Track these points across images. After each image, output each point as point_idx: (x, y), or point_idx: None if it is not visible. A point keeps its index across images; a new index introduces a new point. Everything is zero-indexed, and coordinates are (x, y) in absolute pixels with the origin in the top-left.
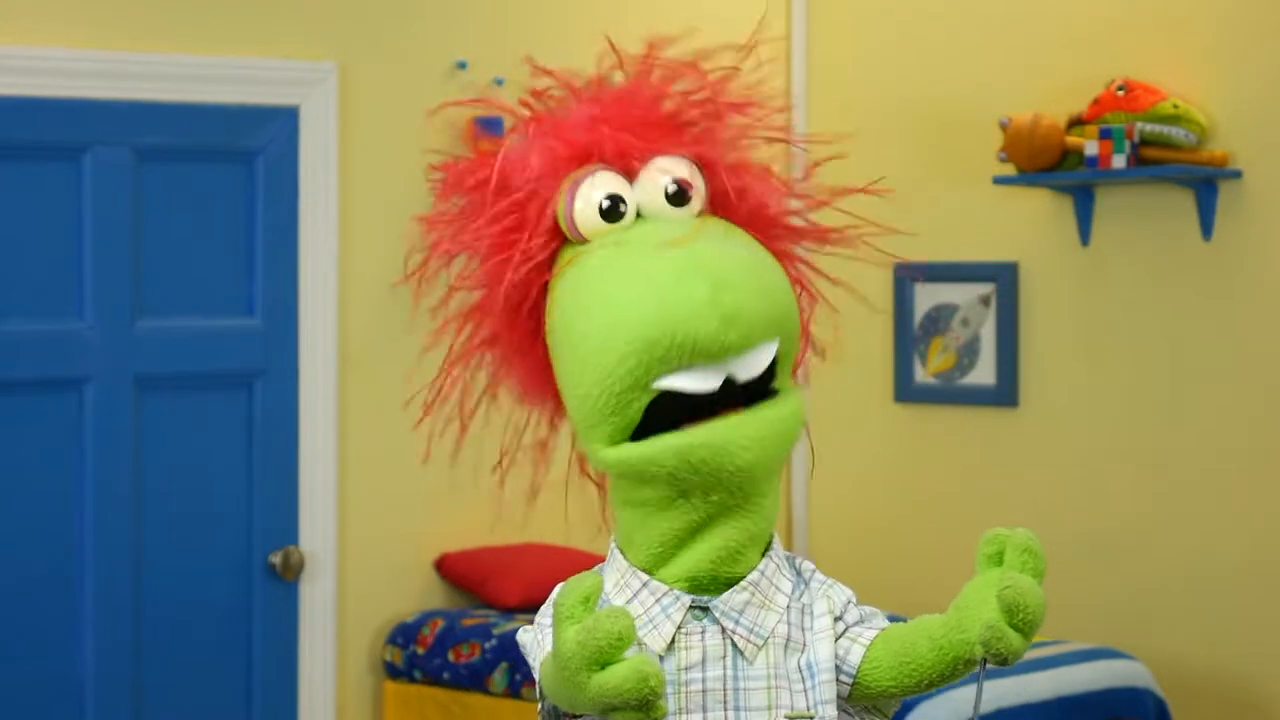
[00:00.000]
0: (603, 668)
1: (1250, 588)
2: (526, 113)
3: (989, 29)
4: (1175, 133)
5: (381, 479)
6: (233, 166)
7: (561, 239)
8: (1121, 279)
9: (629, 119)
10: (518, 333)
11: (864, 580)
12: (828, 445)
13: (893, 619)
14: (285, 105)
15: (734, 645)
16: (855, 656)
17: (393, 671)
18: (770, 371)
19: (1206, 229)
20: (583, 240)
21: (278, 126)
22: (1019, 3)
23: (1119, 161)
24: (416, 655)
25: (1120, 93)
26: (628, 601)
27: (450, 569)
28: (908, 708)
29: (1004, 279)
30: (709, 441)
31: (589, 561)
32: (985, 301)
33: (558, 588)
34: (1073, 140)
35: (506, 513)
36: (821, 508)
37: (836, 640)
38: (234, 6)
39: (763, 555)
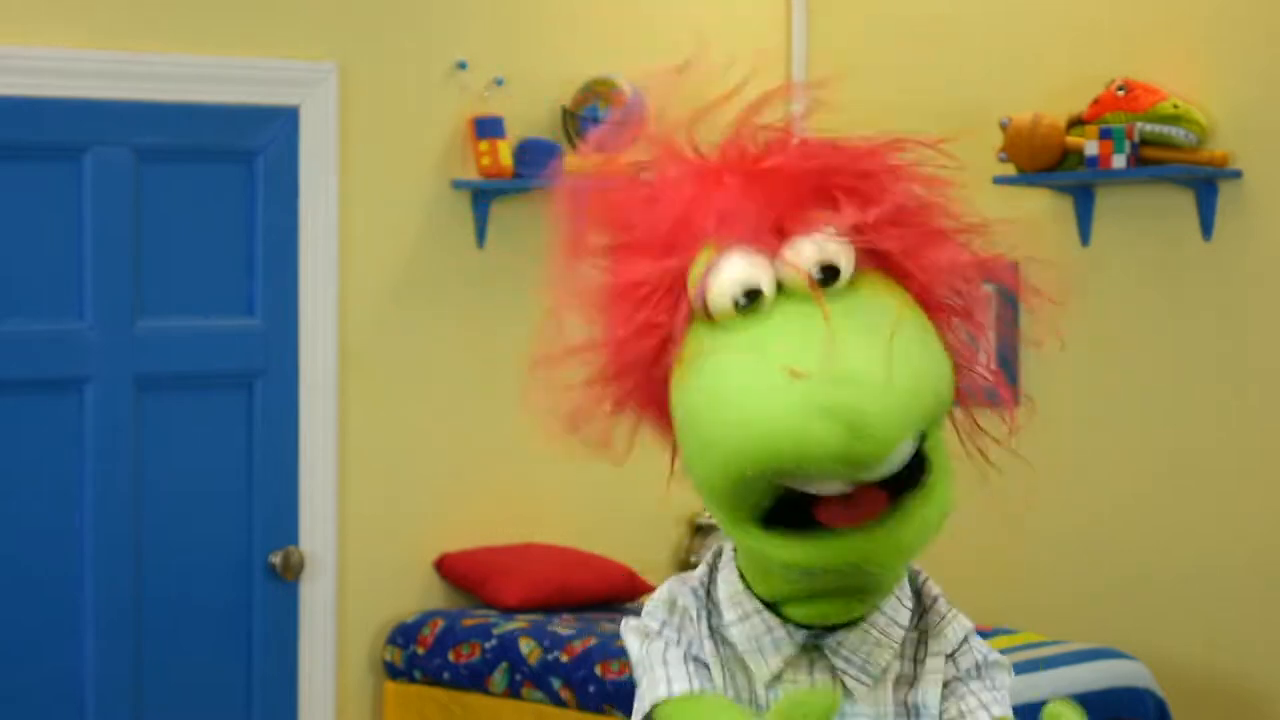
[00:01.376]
0: None
1: (1250, 587)
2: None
3: (989, 29)
4: (1175, 133)
5: (381, 479)
6: (233, 166)
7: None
8: (1121, 279)
9: (777, 186)
10: (649, 384)
11: None
12: None
13: None
14: (285, 105)
15: (843, 684)
16: None
17: (393, 671)
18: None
19: (1206, 229)
20: (711, 319)
21: (278, 126)
22: (1019, 3)
23: (1119, 161)
24: (416, 655)
25: (1120, 93)
26: (740, 620)
27: (450, 569)
28: None
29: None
30: (846, 557)
31: (589, 561)
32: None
33: (667, 584)
34: (1073, 140)
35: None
36: None
37: (945, 687)
38: (234, 6)
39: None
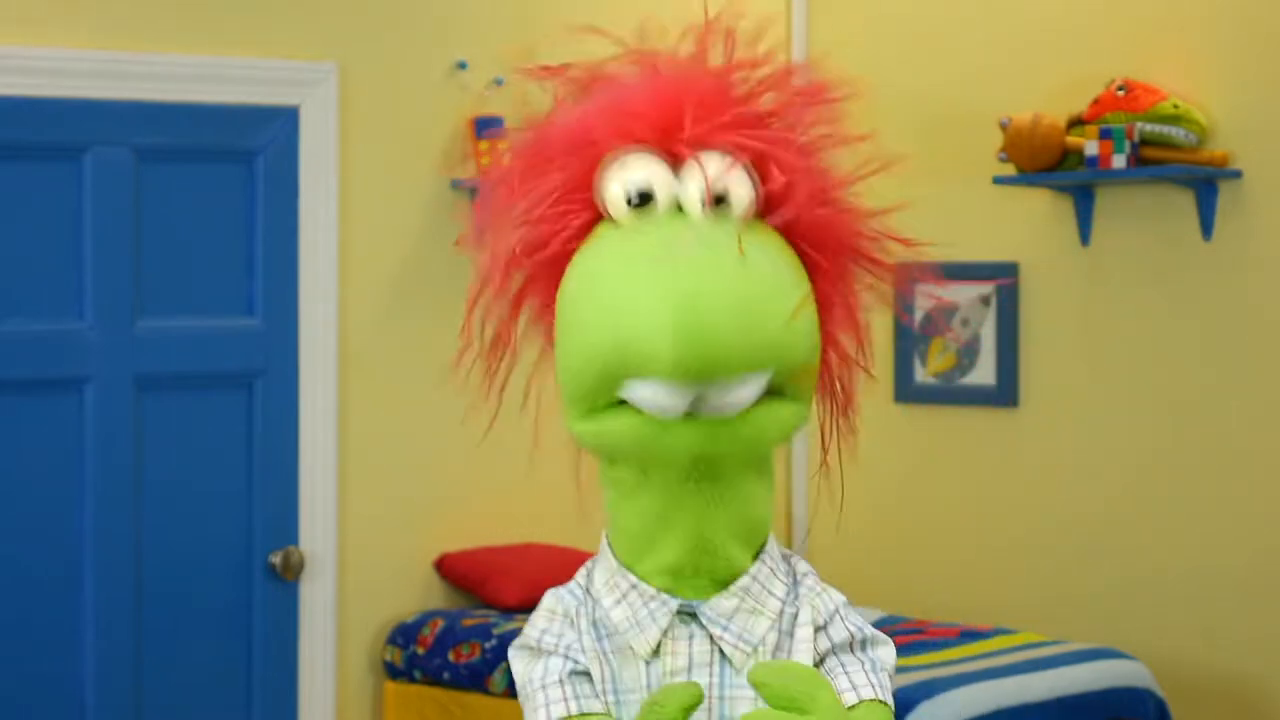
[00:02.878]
0: None
1: (1250, 587)
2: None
3: (989, 29)
4: (1175, 133)
5: (381, 478)
6: (233, 166)
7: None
8: (1121, 279)
9: (691, 98)
10: (551, 289)
11: (863, 580)
12: None
13: (890, 620)
14: (285, 105)
15: (722, 653)
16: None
17: (393, 671)
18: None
19: (1206, 229)
20: (613, 221)
21: (278, 126)
22: (1019, 3)
23: (1119, 161)
24: (416, 655)
25: (1120, 93)
26: (617, 601)
27: (450, 569)
28: (907, 706)
29: (1004, 279)
30: (651, 433)
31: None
32: (985, 301)
33: (547, 594)
34: (1073, 140)
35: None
36: (821, 507)
37: (821, 660)
38: (234, 6)
39: (755, 558)
